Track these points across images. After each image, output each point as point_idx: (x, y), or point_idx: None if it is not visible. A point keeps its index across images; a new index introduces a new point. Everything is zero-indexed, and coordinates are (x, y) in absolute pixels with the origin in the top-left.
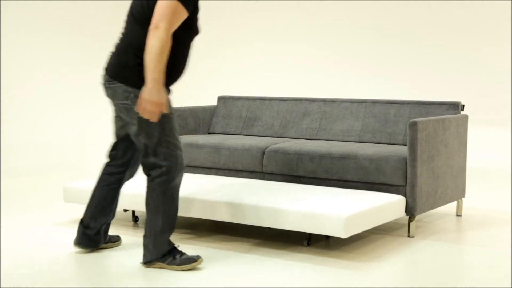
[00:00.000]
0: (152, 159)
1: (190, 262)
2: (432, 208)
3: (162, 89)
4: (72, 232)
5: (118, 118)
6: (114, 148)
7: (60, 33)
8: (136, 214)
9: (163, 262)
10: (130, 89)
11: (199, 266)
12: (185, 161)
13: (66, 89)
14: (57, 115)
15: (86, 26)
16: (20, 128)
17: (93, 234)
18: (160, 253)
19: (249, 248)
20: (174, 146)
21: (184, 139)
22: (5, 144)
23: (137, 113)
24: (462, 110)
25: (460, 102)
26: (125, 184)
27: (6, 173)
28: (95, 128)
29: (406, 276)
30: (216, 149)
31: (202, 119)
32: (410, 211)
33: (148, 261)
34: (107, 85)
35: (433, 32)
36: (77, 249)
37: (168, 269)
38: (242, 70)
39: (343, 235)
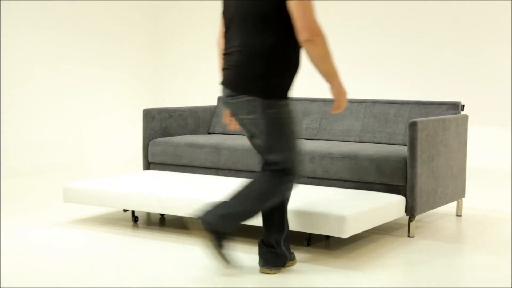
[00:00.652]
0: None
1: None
2: (432, 208)
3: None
4: (72, 232)
5: (247, 131)
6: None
7: (60, 33)
8: (136, 214)
9: None
10: (258, 101)
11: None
12: (185, 161)
13: (66, 89)
14: (57, 115)
15: (86, 26)
16: (20, 128)
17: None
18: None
19: (248, 248)
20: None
21: (184, 139)
22: (5, 144)
23: (268, 124)
24: (462, 110)
25: (460, 102)
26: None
27: (6, 173)
28: (95, 128)
29: (406, 276)
30: (216, 149)
31: (202, 119)
32: (410, 211)
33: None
34: (230, 100)
35: (433, 32)
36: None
37: None
38: None
39: (343, 235)
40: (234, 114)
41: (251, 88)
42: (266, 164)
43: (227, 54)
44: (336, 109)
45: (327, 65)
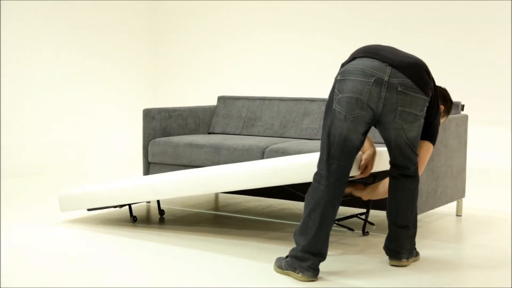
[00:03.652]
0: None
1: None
2: (432, 208)
3: None
4: (71, 232)
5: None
6: None
7: (60, 33)
8: (134, 214)
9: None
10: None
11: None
12: (185, 161)
13: (66, 89)
14: (57, 115)
15: (86, 26)
16: (20, 128)
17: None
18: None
19: (248, 248)
20: None
21: (184, 139)
22: (5, 144)
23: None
24: (462, 110)
25: (460, 102)
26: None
27: (6, 173)
28: (95, 128)
29: (406, 276)
30: (216, 149)
31: (202, 119)
32: None
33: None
34: (405, 90)
35: (433, 32)
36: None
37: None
38: (242, 70)
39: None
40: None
41: None
42: (413, 165)
43: None
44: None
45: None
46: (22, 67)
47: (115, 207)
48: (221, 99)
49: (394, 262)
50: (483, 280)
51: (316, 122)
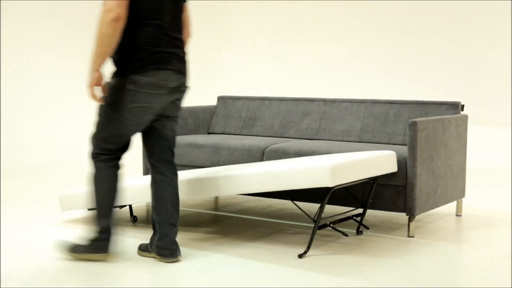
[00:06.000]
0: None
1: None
2: (432, 208)
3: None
4: (71, 232)
5: None
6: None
7: (60, 33)
8: (134, 214)
9: None
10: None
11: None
12: (185, 161)
13: (66, 89)
14: (57, 115)
15: (86, 26)
16: (20, 128)
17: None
18: None
19: (248, 248)
20: None
21: (184, 139)
22: (5, 144)
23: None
24: (462, 110)
25: (460, 102)
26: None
27: (6, 173)
28: None
29: (406, 276)
30: (216, 149)
31: (202, 119)
32: (410, 211)
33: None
34: (185, 90)
35: (433, 32)
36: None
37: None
38: (242, 70)
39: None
40: (173, 100)
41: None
42: (173, 156)
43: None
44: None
45: (96, 48)
46: (23, 67)
47: (115, 207)
48: (221, 99)
49: (171, 260)
50: (483, 280)
51: (316, 122)
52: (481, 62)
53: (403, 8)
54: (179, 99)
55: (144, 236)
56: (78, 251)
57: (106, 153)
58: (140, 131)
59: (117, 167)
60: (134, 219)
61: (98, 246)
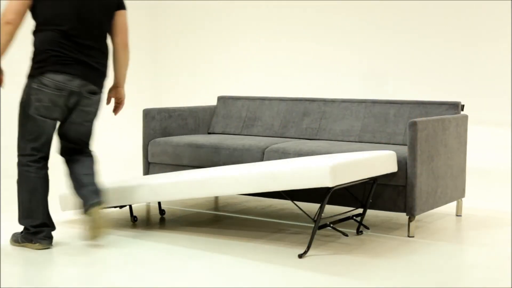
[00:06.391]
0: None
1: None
2: (432, 208)
3: None
4: (71, 232)
5: None
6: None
7: None
8: (134, 214)
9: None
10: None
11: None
12: (185, 161)
13: None
14: None
15: None
16: None
17: None
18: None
19: (248, 248)
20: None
21: (184, 139)
22: (5, 144)
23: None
24: (462, 110)
25: (460, 102)
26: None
27: (6, 173)
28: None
29: (406, 276)
30: (216, 149)
31: (202, 119)
32: (410, 211)
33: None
34: (90, 96)
35: (433, 32)
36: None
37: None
38: (242, 70)
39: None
40: (82, 106)
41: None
42: (87, 148)
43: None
44: (119, 107)
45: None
46: (23, 68)
47: (115, 207)
48: (221, 99)
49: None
50: (483, 280)
51: (316, 122)
52: (481, 62)
53: (403, 8)
54: (87, 106)
55: (144, 236)
56: (17, 241)
57: (30, 153)
58: (52, 130)
59: (42, 168)
60: (134, 219)
61: (30, 238)
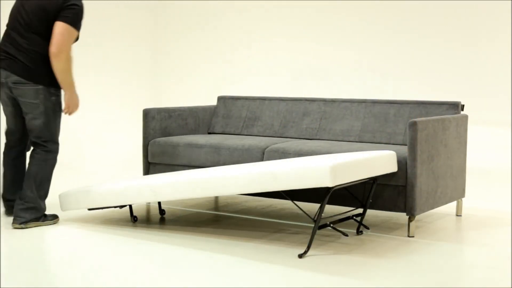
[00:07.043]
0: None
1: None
2: (432, 208)
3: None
4: (71, 232)
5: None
6: (12, 133)
7: None
8: (134, 214)
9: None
10: (40, 88)
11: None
12: (185, 161)
13: None
14: None
15: (86, 26)
16: None
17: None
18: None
19: (248, 248)
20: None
21: (184, 139)
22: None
23: (44, 108)
24: (462, 110)
25: (460, 102)
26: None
27: None
28: (95, 128)
29: (406, 276)
30: (216, 149)
31: (202, 119)
32: (410, 211)
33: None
34: (16, 86)
35: (433, 32)
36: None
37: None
38: (242, 70)
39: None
40: (17, 96)
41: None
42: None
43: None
44: (66, 110)
45: (66, 77)
46: None
47: (115, 207)
48: (221, 99)
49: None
50: (483, 280)
51: (316, 122)
52: (481, 62)
53: (403, 8)
54: (21, 96)
55: (144, 236)
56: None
57: (6, 140)
58: (12, 119)
59: (13, 153)
60: (134, 219)
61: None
